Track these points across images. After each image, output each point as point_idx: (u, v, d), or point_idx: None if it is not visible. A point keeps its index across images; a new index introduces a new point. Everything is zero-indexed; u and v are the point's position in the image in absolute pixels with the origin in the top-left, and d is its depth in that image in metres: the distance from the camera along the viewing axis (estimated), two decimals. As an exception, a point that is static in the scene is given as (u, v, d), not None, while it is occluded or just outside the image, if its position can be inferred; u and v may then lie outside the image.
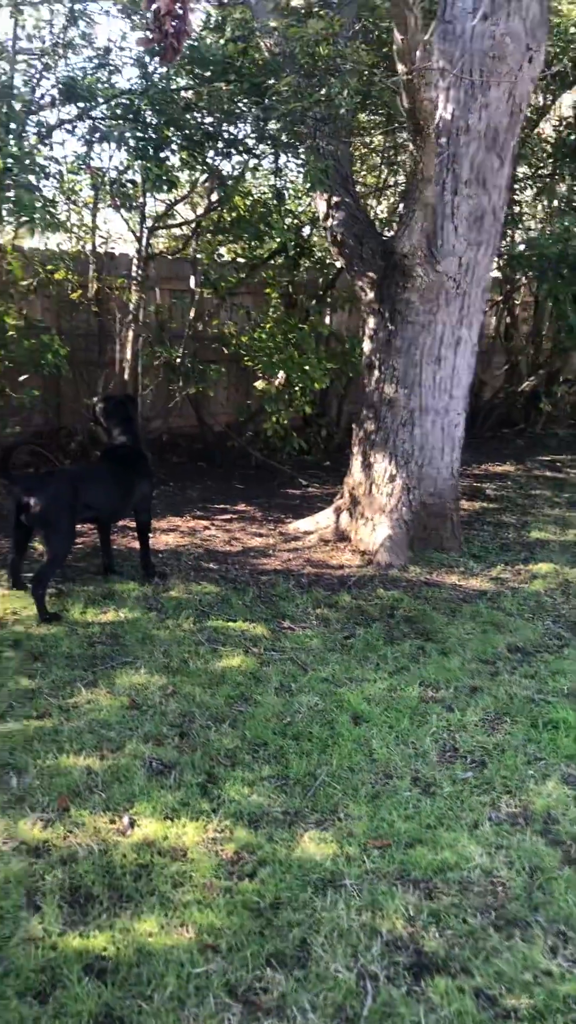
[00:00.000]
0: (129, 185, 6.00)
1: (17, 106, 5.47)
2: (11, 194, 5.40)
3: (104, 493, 5.36)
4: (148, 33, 3.86)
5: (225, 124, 5.58)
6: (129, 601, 5.19)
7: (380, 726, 3.87)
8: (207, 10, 7.37)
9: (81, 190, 7.60)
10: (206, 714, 3.91)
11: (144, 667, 4.34)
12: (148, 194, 7.67)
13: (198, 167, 6.39)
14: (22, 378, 7.35)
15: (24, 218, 5.26)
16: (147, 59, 5.68)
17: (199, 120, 5.63)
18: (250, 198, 7.47)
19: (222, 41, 5.85)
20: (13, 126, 5.44)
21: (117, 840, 3.00)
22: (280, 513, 7.38)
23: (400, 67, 4.60)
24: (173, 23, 3.48)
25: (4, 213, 5.67)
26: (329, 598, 5.44)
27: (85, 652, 4.50)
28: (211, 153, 6.10)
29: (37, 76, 5.94)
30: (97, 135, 5.53)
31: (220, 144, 5.78)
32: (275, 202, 7.38)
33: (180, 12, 3.48)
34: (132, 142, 5.77)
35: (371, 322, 6.40)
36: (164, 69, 5.71)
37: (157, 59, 5.64)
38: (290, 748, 3.65)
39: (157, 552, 6.12)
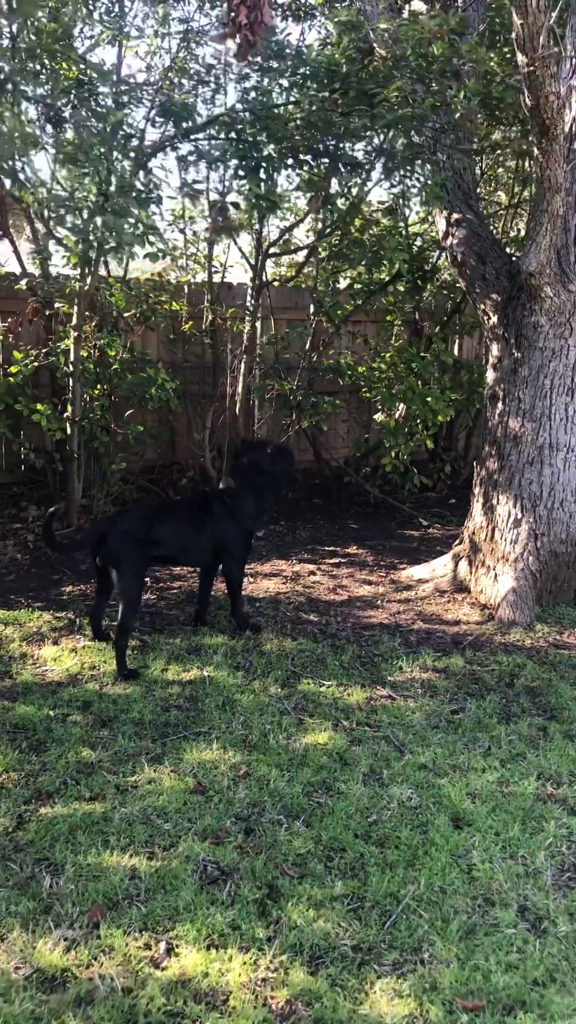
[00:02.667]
0: (231, 208, 5.63)
1: (111, 128, 5.19)
2: (101, 221, 5.12)
3: (175, 530, 4.96)
4: (223, 28, 3.45)
5: (330, 138, 5.11)
6: (216, 657, 4.72)
7: (484, 832, 3.22)
8: (325, 25, 6.99)
9: (192, 218, 7.34)
10: (279, 805, 3.37)
11: (218, 740, 3.85)
12: (263, 219, 7.32)
13: (304, 186, 5.95)
14: (128, 413, 7.10)
15: (116, 244, 4.95)
16: (248, 72, 5.31)
17: (304, 135, 5.18)
18: (363, 219, 6.97)
19: (337, 55, 5.41)
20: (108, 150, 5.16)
21: (149, 974, 2.49)
22: (395, 557, 6.78)
23: (520, 57, 4.00)
24: (247, 13, 3.03)
25: (97, 243, 5.38)
26: (439, 661, 4.80)
27: (157, 718, 4.05)
28: (317, 170, 5.65)
29: (137, 97, 5.67)
30: (193, 155, 5.18)
31: (326, 160, 5.32)
32: (389, 221, 6.85)
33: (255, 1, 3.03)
34: (234, 162, 5.39)
35: (495, 349, 5.76)
36: (265, 82, 5.31)
37: (258, 72, 5.25)
38: (372, 858, 3.05)
39: (255, 600, 5.65)
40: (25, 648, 4.82)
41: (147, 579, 5.98)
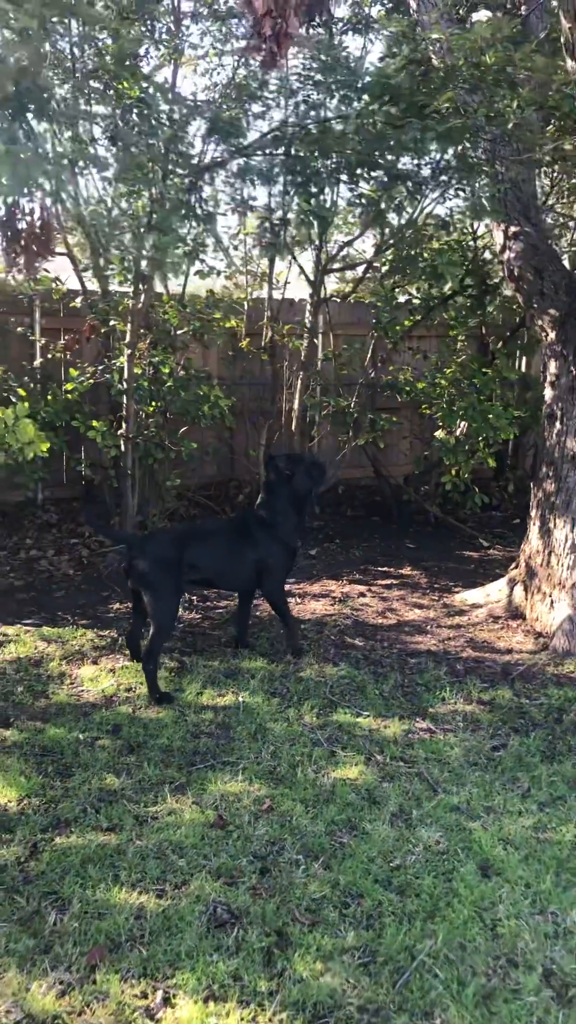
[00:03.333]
0: (282, 224, 5.55)
1: (161, 148, 5.17)
2: (150, 239, 5.10)
3: (211, 553, 4.88)
4: (248, 40, 3.37)
5: (381, 152, 4.98)
6: (253, 682, 4.61)
7: (514, 883, 3.03)
8: (383, 36, 6.87)
9: (248, 234, 7.29)
10: (299, 844, 3.23)
11: (245, 771, 3.73)
12: (322, 235, 7.23)
13: (356, 201, 5.83)
14: (182, 430, 7.08)
15: (161, 262, 4.93)
16: (298, 86, 5.23)
17: (355, 149, 5.06)
18: (418, 233, 6.80)
19: (389, 67, 5.29)
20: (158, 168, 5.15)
21: (141, 1025, 2.39)
22: (450, 580, 6.57)
23: (570, 63, 3.81)
24: (272, 25, 2.94)
25: (147, 261, 5.37)
26: (485, 692, 4.60)
27: (186, 745, 3.96)
28: (367, 184, 5.52)
29: (190, 115, 5.64)
30: (238, 171, 5.11)
31: (377, 174, 5.19)
32: (442, 234, 6.67)
33: (280, 12, 2.94)
34: (284, 178, 5.31)
35: (552, 366, 5.53)
36: (316, 96, 5.22)
37: (311, 87, 5.17)
38: (390, 906, 2.89)
39: (300, 621, 5.52)
40: (64, 667, 4.80)
41: (192, 597, 5.92)
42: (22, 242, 4.65)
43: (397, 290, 7.46)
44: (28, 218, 4.63)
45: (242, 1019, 2.41)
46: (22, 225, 4.60)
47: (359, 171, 5.18)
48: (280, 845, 3.23)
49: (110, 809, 3.43)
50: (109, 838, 3.24)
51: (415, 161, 5.48)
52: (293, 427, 7.66)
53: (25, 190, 4.42)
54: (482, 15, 6.27)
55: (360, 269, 7.76)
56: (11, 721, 4.15)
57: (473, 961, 2.66)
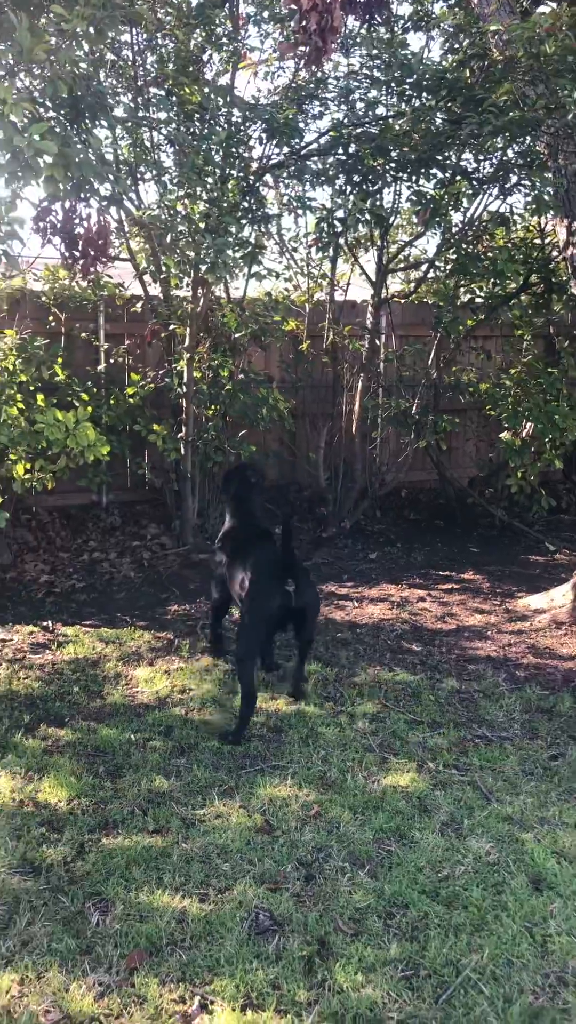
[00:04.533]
0: (338, 224, 5.51)
1: (217, 151, 5.19)
2: (207, 241, 5.12)
3: None
4: (293, 36, 3.33)
5: (435, 149, 4.89)
6: (306, 686, 4.57)
7: (566, 898, 2.92)
8: (445, 31, 6.77)
9: (308, 235, 7.26)
10: (345, 851, 3.18)
11: (294, 776, 3.69)
12: (384, 235, 7.16)
13: (414, 199, 5.73)
14: (241, 433, 7.09)
15: (214, 264, 4.94)
16: (351, 85, 5.18)
17: (411, 146, 5.00)
18: (477, 231, 6.67)
19: (445, 62, 5.20)
20: (212, 170, 5.17)
21: (177, 1031, 2.37)
22: (513, 584, 6.42)
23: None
24: (318, 20, 2.90)
25: (205, 263, 5.39)
26: (544, 701, 4.47)
27: (236, 748, 3.94)
28: (427, 182, 5.43)
29: (249, 117, 5.64)
30: (295, 171, 5.09)
31: (435, 172, 5.11)
32: (503, 231, 6.52)
33: (326, 6, 2.90)
34: (342, 178, 5.28)
35: (618, 364, 5.36)
36: (372, 94, 5.16)
37: (367, 84, 5.11)
38: (436, 918, 2.82)
39: (356, 626, 5.46)
40: (120, 668, 4.83)
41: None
42: (79, 247, 4.71)
43: (461, 289, 7.33)
44: (85, 223, 4.69)
45: (279, 1029, 2.37)
46: (79, 230, 4.66)
47: (420, 169, 5.10)
48: (326, 852, 3.18)
49: (158, 811, 3.42)
50: (155, 840, 3.23)
51: (477, 157, 5.39)
52: (354, 429, 7.60)
53: (81, 195, 4.47)
54: (544, 8, 6.14)
55: (422, 269, 7.65)
56: (65, 721, 4.19)
57: (520, 979, 2.57)
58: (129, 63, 6.35)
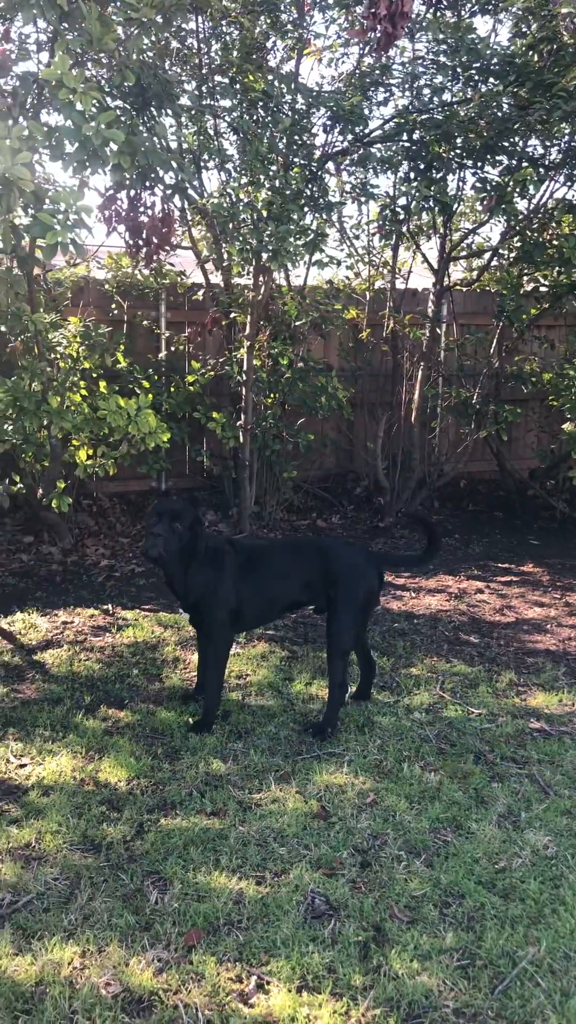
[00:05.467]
0: (402, 212, 5.46)
1: (281, 138, 5.18)
2: (269, 228, 5.12)
3: None
4: (360, 22, 3.30)
5: (504, 135, 4.81)
6: (363, 675, 4.57)
7: (627, 896, 2.88)
8: (514, 14, 6.65)
9: (370, 223, 7.22)
10: (402, 839, 3.18)
11: (351, 764, 3.70)
12: (447, 223, 7.09)
13: (480, 185, 5.65)
14: (299, 422, 7.10)
15: (276, 252, 4.94)
16: (416, 70, 5.12)
17: (478, 132, 4.93)
18: (544, 219, 6.55)
19: (514, 47, 5.11)
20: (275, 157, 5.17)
21: (235, 1010, 2.39)
22: (574, 578, 6.33)
23: None
24: (388, 5, 2.88)
25: (267, 251, 5.39)
26: (605, 695, 4.40)
27: (292, 735, 3.96)
28: (493, 169, 5.36)
29: (313, 104, 5.62)
30: (359, 158, 5.06)
31: (502, 158, 5.03)
32: (567, 218, 6.39)
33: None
34: (406, 165, 5.23)
35: None
36: (438, 80, 5.10)
37: (432, 69, 5.05)
38: (492, 909, 2.81)
39: (413, 616, 5.44)
40: (179, 652, 4.89)
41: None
42: (143, 235, 4.75)
43: (524, 277, 7.23)
44: (149, 211, 4.73)
45: (335, 1011, 2.39)
46: (143, 218, 4.69)
47: (486, 155, 5.03)
48: (382, 840, 3.18)
49: (215, 794, 3.46)
50: (212, 822, 3.27)
51: (544, 143, 5.29)
52: (413, 419, 7.56)
53: (146, 183, 4.51)
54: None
55: (486, 257, 7.55)
56: (125, 702, 4.26)
57: (579, 973, 2.55)
58: (194, 51, 6.38)
